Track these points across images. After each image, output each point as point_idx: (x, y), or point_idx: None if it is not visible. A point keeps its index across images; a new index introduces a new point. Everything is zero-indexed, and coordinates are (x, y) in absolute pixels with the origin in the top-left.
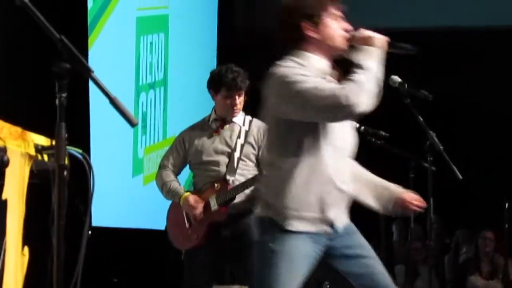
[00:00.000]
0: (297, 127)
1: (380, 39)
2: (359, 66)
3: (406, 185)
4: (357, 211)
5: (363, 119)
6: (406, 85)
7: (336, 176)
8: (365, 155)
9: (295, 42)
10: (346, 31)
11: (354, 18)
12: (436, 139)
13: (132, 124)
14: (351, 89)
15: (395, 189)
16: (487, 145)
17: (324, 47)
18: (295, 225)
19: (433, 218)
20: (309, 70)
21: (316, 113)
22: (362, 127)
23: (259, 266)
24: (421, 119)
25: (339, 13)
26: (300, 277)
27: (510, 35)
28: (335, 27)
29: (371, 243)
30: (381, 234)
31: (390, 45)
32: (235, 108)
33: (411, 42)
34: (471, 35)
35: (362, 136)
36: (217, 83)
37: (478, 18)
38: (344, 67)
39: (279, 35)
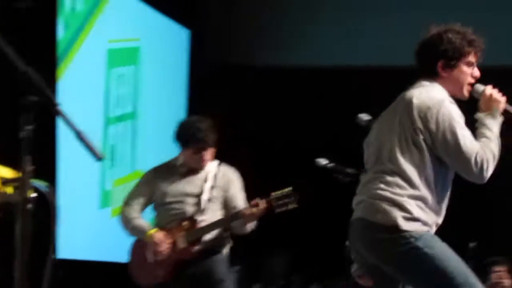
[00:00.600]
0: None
1: (503, 104)
2: (491, 131)
3: None
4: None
5: (332, 156)
6: (374, 123)
7: None
8: (333, 192)
9: (428, 73)
10: (475, 78)
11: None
12: None
13: (98, 158)
14: (486, 160)
15: None
16: (453, 188)
17: (449, 87)
18: None
19: None
20: None
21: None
22: (330, 164)
23: None
24: None
25: (474, 60)
26: None
27: None
28: (467, 74)
29: (331, 282)
30: (346, 275)
31: (505, 110)
32: (203, 163)
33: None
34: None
35: (330, 173)
36: (185, 140)
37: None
38: None
39: (418, 58)
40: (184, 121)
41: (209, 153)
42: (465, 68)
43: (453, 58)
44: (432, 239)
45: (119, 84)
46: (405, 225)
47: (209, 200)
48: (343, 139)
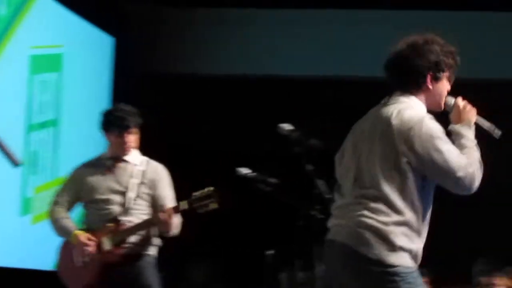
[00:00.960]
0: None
1: (474, 115)
2: (471, 141)
3: (293, 233)
4: (242, 259)
5: (253, 165)
6: (295, 133)
7: None
8: (254, 202)
9: (409, 86)
10: (448, 93)
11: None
12: (324, 187)
13: (15, 163)
14: (477, 170)
15: None
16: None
17: (429, 100)
18: None
19: (319, 266)
20: None
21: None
22: (251, 173)
23: None
24: (310, 167)
25: (451, 72)
26: None
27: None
28: (446, 87)
29: None
30: (265, 283)
31: (479, 120)
32: (125, 146)
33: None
34: (361, 85)
35: (251, 183)
36: (107, 123)
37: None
38: None
39: (397, 69)
40: (107, 109)
41: (131, 136)
42: (445, 81)
43: (440, 70)
44: (416, 284)
45: (42, 90)
46: (390, 259)
47: (136, 198)
48: (265, 148)
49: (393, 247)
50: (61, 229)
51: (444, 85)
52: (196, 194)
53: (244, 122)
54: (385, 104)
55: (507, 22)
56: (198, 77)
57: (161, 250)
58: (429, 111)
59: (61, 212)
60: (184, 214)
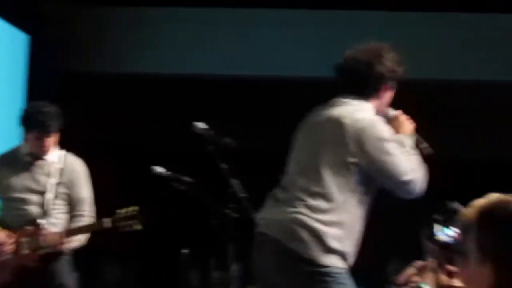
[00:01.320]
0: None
1: (412, 129)
2: (413, 151)
3: (207, 232)
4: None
5: (168, 164)
6: (210, 132)
7: None
8: (169, 200)
9: (365, 91)
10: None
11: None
12: (238, 186)
13: None
14: (423, 175)
15: None
16: None
17: (377, 107)
18: None
19: (234, 265)
20: None
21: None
22: (166, 172)
23: None
24: (224, 166)
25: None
26: None
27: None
28: (390, 97)
29: None
30: (180, 282)
31: (416, 137)
32: (44, 148)
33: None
34: (287, 84)
35: (166, 181)
36: (27, 123)
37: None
38: None
39: (354, 74)
40: (29, 105)
41: (51, 139)
42: (392, 91)
43: (394, 80)
44: (346, 284)
45: None
46: (322, 259)
47: (54, 198)
48: (180, 147)
49: (327, 248)
50: None
51: (391, 95)
52: (121, 212)
53: (159, 121)
54: (335, 105)
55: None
56: (116, 76)
57: (76, 249)
58: None
59: None
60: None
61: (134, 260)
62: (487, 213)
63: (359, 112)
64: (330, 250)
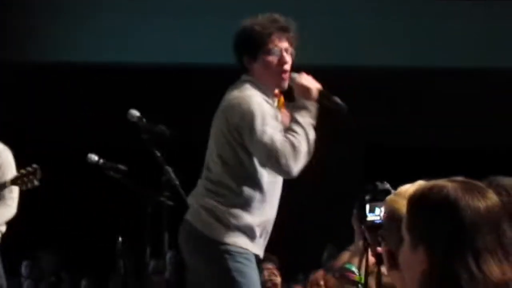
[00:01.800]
0: None
1: (315, 91)
2: (300, 125)
3: (143, 220)
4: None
5: (102, 152)
6: (144, 120)
7: None
8: (103, 189)
9: (241, 68)
10: (284, 64)
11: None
12: (172, 174)
13: None
14: (290, 155)
15: None
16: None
17: (262, 80)
18: None
19: (170, 253)
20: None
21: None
22: (101, 160)
23: None
24: (158, 154)
25: (284, 45)
26: None
27: None
28: (272, 63)
29: (101, 278)
30: (118, 269)
31: (323, 95)
32: None
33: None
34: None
35: (100, 170)
36: None
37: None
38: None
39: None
40: None
41: None
42: (269, 58)
43: (255, 48)
44: (245, 264)
45: None
46: (221, 237)
47: None
48: (114, 136)
49: (228, 226)
50: None
51: (267, 62)
52: (20, 171)
53: (92, 110)
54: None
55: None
56: (45, 64)
57: (18, 237)
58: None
59: None
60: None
61: (69, 250)
62: (417, 198)
63: (234, 90)
64: (231, 228)
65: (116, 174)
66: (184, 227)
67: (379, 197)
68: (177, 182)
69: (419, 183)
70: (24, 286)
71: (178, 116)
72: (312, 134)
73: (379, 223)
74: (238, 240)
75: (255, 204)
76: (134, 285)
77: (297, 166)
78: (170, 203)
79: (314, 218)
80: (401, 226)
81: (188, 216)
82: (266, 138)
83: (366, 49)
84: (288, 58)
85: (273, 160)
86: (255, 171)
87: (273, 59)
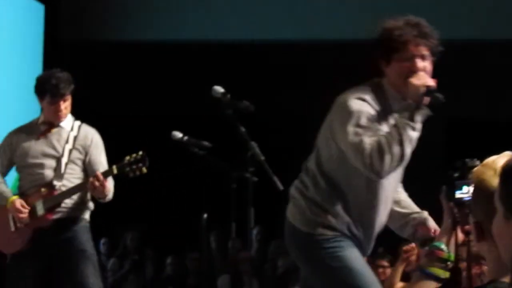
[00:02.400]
0: None
1: (422, 88)
2: (393, 127)
3: (227, 196)
4: (181, 223)
5: (186, 129)
6: (228, 96)
7: None
8: (188, 166)
9: (377, 71)
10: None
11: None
12: (257, 149)
13: None
14: (375, 156)
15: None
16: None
17: (392, 85)
18: None
19: (255, 229)
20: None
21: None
22: (185, 137)
23: None
24: (243, 130)
25: (420, 52)
26: None
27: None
28: (403, 69)
29: (192, 255)
30: (202, 245)
31: (429, 92)
32: (59, 113)
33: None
34: (293, 49)
35: (185, 146)
36: (41, 90)
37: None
38: None
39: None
40: (41, 74)
41: (65, 104)
42: (401, 64)
43: (390, 52)
44: (337, 248)
45: None
46: (308, 227)
47: (68, 163)
48: (198, 112)
49: (310, 217)
50: None
51: (398, 67)
52: (127, 158)
53: (175, 87)
54: None
55: None
56: (127, 43)
57: (96, 215)
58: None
59: None
60: (118, 178)
61: (154, 226)
62: (510, 167)
63: (351, 91)
64: (311, 220)
65: (200, 151)
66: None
67: (467, 174)
68: (262, 158)
69: (507, 153)
70: (109, 264)
71: (259, 91)
72: (408, 135)
73: (468, 200)
74: (323, 230)
75: (339, 208)
76: (218, 262)
77: (382, 167)
78: (255, 179)
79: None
80: (490, 197)
81: (287, 207)
82: (356, 138)
83: (449, 21)
84: (422, 65)
85: (359, 160)
86: (343, 169)
87: (404, 65)
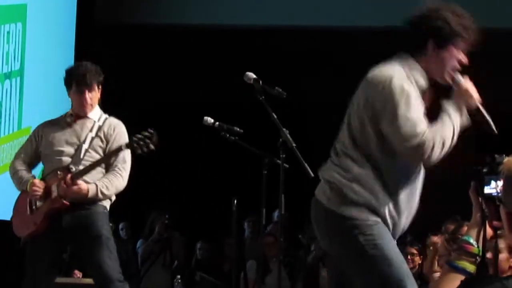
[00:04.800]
0: None
1: (476, 101)
2: (449, 117)
3: (259, 182)
4: (211, 208)
5: (218, 115)
6: (260, 82)
7: None
8: (220, 151)
9: (411, 47)
10: (460, 64)
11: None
12: (289, 136)
13: None
14: (430, 143)
15: None
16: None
17: (429, 67)
18: None
19: (285, 215)
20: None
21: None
22: (217, 123)
23: None
24: (275, 116)
25: (464, 45)
26: None
27: (371, 37)
28: (451, 58)
29: (225, 241)
30: (233, 231)
31: (478, 110)
32: (85, 103)
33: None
34: (329, 35)
35: (216, 132)
36: (68, 79)
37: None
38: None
39: (410, 31)
40: (70, 66)
41: (91, 95)
42: (451, 52)
43: (444, 38)
44: (376, 236)
45: (6, 41)
46: (347, 211)
47: (88, 149)
48: (230, 98)
49: (350, 201)
50: (18, 180)
51: (449, 55)
52: (136, 135)
53: (208, 72)
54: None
55: None
56: (161, 27)
57: (124, 199)
58: (436, 82)
59: (21, 165)
60: (149, 162)
61: (184, 211)
62: None
63: (385, 67)
64: (353, 203)
65: (231, 136)
66: (312, 202)
67: (496, 169)
68: (294, 144)
69: None
70: (141, 249)
71: (291, 78)
72: (456, 134)
73: (497, 195)
74: (364, 214)
75: (378, 188)
76: (249, 247)
77: (438, 156)
78: (286, 165)
79: (425, 188)
80: None
81: (316, 191)
82: (409, 126)
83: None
84: (466, 60)
85: (414, 149)
86: (382, 154)
87: (456, 56)
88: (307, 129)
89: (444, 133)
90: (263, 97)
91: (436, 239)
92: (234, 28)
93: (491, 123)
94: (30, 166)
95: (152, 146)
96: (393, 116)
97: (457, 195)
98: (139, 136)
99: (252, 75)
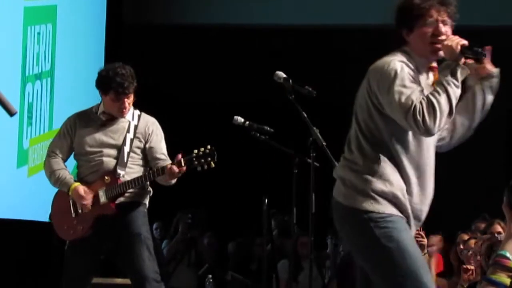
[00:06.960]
0: None
1: (458, 47)
2: (438, 84)
3: (289, 181)
4: (242, 208)
5: (248, 114)
6: (290, 81)
7: None
8: (250, 150)
9: (400, 40)
10: (438, 34)
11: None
12: (319, 135)
13: (11, 113)
14: (426, 112)
15: None
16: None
17: (417, 51)
18: None
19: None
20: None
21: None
22: (247, 122)
23: None
24: (305, 115)
25: (442, 17)
26: None
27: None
28: (426, 34)
29: (255, 240)
30: (263, 230)
31: (465, 49)
32: (124, 110)
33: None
34: (355, 34)
35: (247, 131)
36: (105, 86)
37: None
38: None
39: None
40: (104, 67)
41: (129, 100)
42: (424, 29)
43: (409, 22)
44: (392, 228)
45: (37, 42)
46: (362, 205)
47: (130, 152)
48: (260, 97)
49: (365, 194)
50: (57, 181)
51: (421, 33)
52: (195, 152)
53: (237, 72)
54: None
55: None
56: (190, 27)
57: (157, 199)
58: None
59: (58, 164)
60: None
61: (215, 211)
62: None
63: (385, 57)
64: (369, 196)
65: (262, 136)
66: (332, 205)
67: None
68: (324, 143)
69: None
70: (166, 250)
71: (321, 77)
72: (453, 91)
73: None
74: (379, 207)
75: (391, 171)
76: (280, 246)
77: (434, 123)
78: (317, 164)
79: (455, 186)
80: None
81: (333, 192)
82: (403, 98)
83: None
84: (444, 30)
85: (410, 117)
86: (391, 138)
87: (427, 30)
88: (337, 128)
89: (435, 99)
90: (293, 96)
91: (466, 236)
92: (265, 27)
93: (479, 50)
94: (65, 160)
95: (213, 164)
96: (389, 93)
97: (487, 193)
98: (200, 153)
99: (282, 74)
